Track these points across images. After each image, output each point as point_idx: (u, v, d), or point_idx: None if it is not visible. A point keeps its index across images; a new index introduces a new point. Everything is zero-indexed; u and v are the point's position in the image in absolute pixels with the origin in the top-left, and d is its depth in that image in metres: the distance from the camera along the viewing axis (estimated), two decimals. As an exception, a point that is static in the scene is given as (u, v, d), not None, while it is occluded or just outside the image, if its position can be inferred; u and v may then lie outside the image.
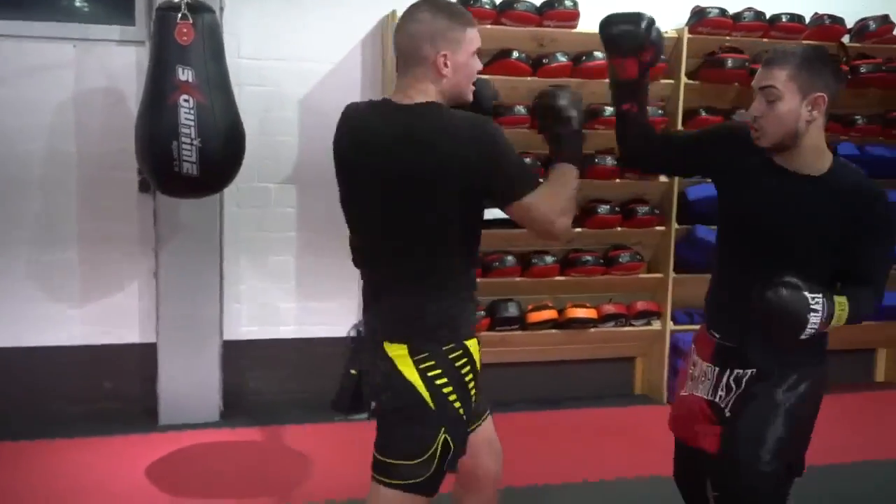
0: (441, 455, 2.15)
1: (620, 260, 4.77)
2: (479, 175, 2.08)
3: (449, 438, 2.15)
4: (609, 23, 2.49)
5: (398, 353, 2.15)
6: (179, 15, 3.44)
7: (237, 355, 4.53)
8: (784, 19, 4.81)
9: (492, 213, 4.52)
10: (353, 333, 4.68)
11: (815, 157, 2.29)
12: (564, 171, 2.20)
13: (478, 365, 2.24)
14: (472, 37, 2.19)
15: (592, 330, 4.84)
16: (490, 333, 4.65)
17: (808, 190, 2.26)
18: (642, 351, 5.10)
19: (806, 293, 2.14)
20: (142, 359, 4.40)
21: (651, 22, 2.43)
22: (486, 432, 2.50)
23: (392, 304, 2.21)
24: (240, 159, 3.69)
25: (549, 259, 4.68)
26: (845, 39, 4.96)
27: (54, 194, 4.28)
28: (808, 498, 2.62)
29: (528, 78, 4.53)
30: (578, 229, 4.71)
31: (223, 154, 3.55)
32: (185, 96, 3.41)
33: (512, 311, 4.67)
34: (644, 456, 4.06)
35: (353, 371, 4.59)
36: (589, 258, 4.73)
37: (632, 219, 4.77)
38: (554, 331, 4.79)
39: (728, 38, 4.77)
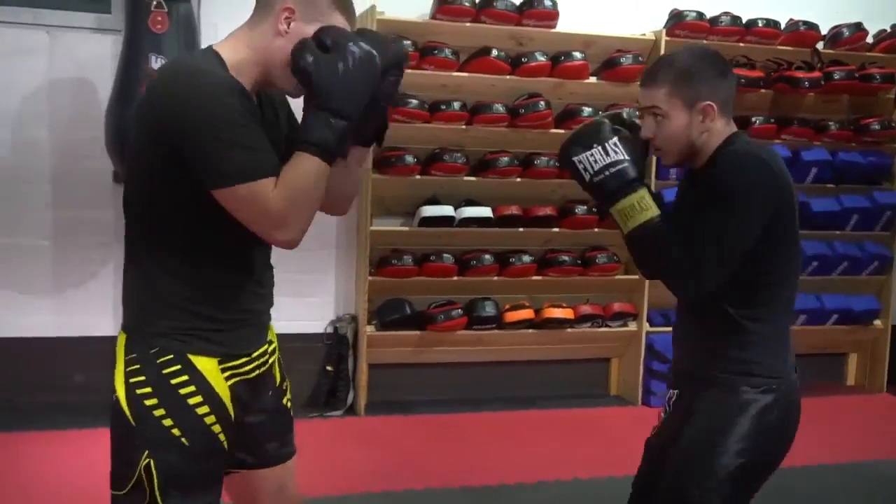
0: (150, 485, 1.66)
1: (597, 261, 4.68)
2: (165, 140, 1.62)
3: (152, 464, 1.66)
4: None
5: (119, 349, 1.76)
6: (154, 3, 3.33)
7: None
8: (760, 24, 4.74)
9: (471, 213, 4.42)
10: (329, 329, 4.57)
11: (713, 151, 2.06)
12: (302, 159, 1.64)
13: (218, 385, 1.73)
14: (336, 20, 1.73)
15: (569, 330, 4.74)
16: (467, 332, 4.55)
17: (695, 186, 2.07)
18: (618, 352, 5.00)
19: (611, 130, 1.98)
20: (114, 350, 4.24)
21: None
22: (277, 478, 1.97)
23: (126, 275, 1.79)
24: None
25: (526, 259, 4.58)
26: (819, 45, 4.90)
27: (26, 181, 4.13)
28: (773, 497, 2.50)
29: (507, 76, 4.43)
30: (556, 229, 4.63)
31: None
32: (158, 85, 3.29)
33: (489, 310, 4.56)
34: (618, 456, 3.94)
35: (328, 367, 4.54)
36: (566, 258, 4.63)
37: (609, 220, 4.68)
38: (530, 330, 4.69)
39: (705, 41, 4.68)
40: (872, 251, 5.05)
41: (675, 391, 2.17)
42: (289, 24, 1.69)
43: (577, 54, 4.47)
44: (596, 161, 1.98)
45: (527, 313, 4.62)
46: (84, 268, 4.25)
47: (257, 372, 1.85)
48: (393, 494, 3.49)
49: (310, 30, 1.68)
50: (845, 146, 5.00)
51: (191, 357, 1.70)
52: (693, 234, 1.95)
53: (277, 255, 4.86)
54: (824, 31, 4.90)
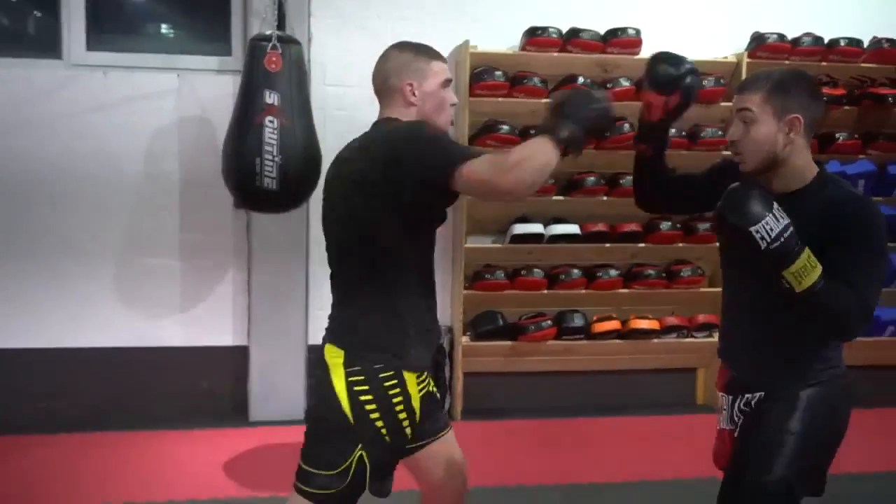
0: (356, 471, 2.06)
1: (682, 274, 4.75)
2: (402, 169, 2.00)
3: (365, 455, 2.05)
4: (654, 60, 2.38)
5: (334, 360, 2.08)
6: (270, 45, 3.62)
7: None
8: (842, 43, 4.74)
9: (559, 230, 4.57)
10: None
11: (798, 175, 2.16)
12: (535, 140, 1.99)
13: (414, 401, 2.11)
14: (438, 69, 2.21)
15: (655, 341, 4.82)
16: (556, 342, 4.68)
17: (784, 208, 2.05)
18: (704, 362, 5.04)
19: (765, 194, 2.01)
20: (234, 360, 4.57)
21: (690, 70, 2.32)
22: (444, 451, 2.35)
23: (339, 311, 2.17)
24: (317, 177, 3.81)
25: (613, 272, 4.69)
26: (904, 62, 4.87)
27: (159, 210, 4.50)
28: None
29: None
30: (641, 244, 4.73)
31: (302, 171, 3.68)
32: (270, 117, 3.58)
33: (577, 321, 4.69)
34: (704, 459, 4.04)
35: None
36: (651, 272, 4.72)
37: (693, 234, 4.76)
38: (618, 341, 4.78)
39: (787, 61, 4.72)
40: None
41: (760, 393, 2.24)
42: (415, 93, 2.18)
43: (660, 78, 4.58)
44: (772, 229, 1.96)
45: (614, 324, 4.73)
46: (207, 285, 4.59)
47: (432, 385, 2.25)
48: (488, 489, 3.68)
49: (428, 86, 2.19)
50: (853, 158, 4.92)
51: (404, 373, 2.09)
52: (836, 270, 2.02)
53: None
54: (909, 47, 4.87)
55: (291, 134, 3.58)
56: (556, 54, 4.56)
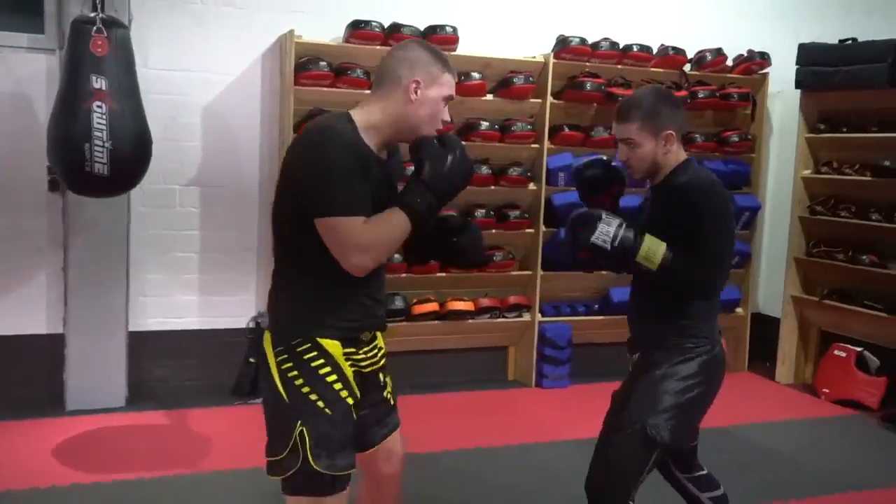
0: (303, 448, 2.08)
1: (495, 259, 5.10)
2: (293, 183, 2.10)
3: (305, 431, 2.08)
4: (580, 170, 2.89)
5: (267, 346, 2.19)
6: (95, 28, 3.57)
7: (143, 345, 4.63)
8: (635, 49, 5.28)
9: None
10: (251, 325, 4.86)
11: (669, 170, 2.60)
12: (396, 217, 2.10)
13: (345, 369, 2.17)
14: (448, 81, 2.20)
15: (470, 321, 5.15)
16: (378, 324, 4.91)
17: (652, 198, 2.66)
18: (514, 340, 5.45)
19: (602, 213, 2.49)
20: (49, 349, 4.45)
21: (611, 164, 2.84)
22: (387, 445, 2.41)
23: (269, 296, 2.28)
24: (147, 161, 3.82)
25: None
26: (686, 67, 5.48)
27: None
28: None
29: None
30: (458, 230, 5.03)
31: (133, 156, 3.68)
32: (98, 102, 3.54)
33: (399, 303, 4.93)
34: (516, 428, 4.45)
35: (251, 359, 4.82)
36: (467, 256, 5.04)
37: (505, 222, 5.12)
38: (436, 322, 5.08)
39: (588, 63, 5.19)
40: (735, 248, 5.63)
41: (638, 354, 2.69)
42: (417, 93, 2.14)
43: (476, 74, 4.90)
44: (607, 233, 2.45)
45: (432, 306, 5.02)
46: (19, 270, 4.44)
47: (370, 368, 2.28)
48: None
49: (431, 93, 2.15)
50: (710, 156, 5.59)
51: (319, 340, 2.14)
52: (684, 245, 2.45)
53: (202, 258, 5.06)
54: (690, 54, 5.48)
55: (121, 119, 3.56)
56: (378, 47, 4.75)
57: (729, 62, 5.59)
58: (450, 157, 2.13)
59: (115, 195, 3.89)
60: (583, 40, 5.14)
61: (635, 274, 2.70)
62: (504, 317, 5.25)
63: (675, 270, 2.46)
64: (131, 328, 4.59)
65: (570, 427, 4.50)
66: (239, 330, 4.82)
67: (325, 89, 4.65)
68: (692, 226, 2.46)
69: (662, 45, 5.40)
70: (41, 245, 4.43)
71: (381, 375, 2.36)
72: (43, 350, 4.47)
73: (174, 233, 4.70)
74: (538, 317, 5.28)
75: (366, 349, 2.27)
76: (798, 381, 5.65)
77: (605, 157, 2.91)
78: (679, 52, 5.39)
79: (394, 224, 2.09)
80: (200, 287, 4.79)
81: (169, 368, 4.74)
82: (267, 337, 2.20)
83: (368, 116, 2.15)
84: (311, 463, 2.08)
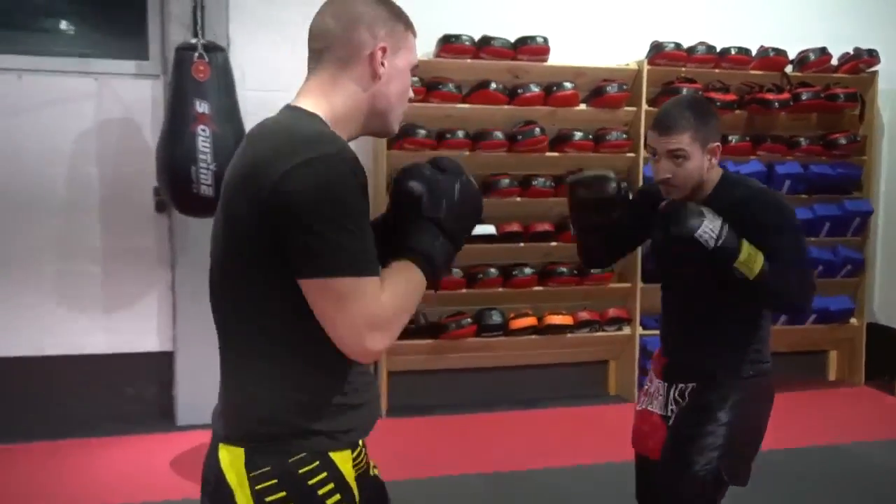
0: None
1: (593, 271, 5.05)
2: (278, 226, 1.38)
3: None
4: (574, 187, 2.61)
5: (230, 464, 1.48)
6: (196, 54, 3.73)
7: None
8: (733, 52, 5.16)
9: (476, 230, 4.83)
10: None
11: (709, 185, 2.38)
12: (412, 278, 1.48)
13: (354, 488, 1.51)
14: (413, 45, 1.60)
15: (569, 335, 5.10)
16: (476, 339, 4.92)
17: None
18: (614, 354, 5.37)
19: (702, 207, 2.23)
20: (160, 365, 4.63)
21: (617, 186, 2.53)
22: None
23: (227, 390, 1.55)
24: (250, 180, 3.95)
25: (528, 271, 4.96)
26: (788, 69, 5.32)
27: (77, 213, 4.53)
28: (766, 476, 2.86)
29: (505, 106, 4.84)
30: (554, 243, 5.01)
31: (237, 176, 3.82)
32: (201, 126, 3.69)
33: (496, 318, 4.93)
34: (618, 445, 4.35)
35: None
36: (564, 269, 5.01)
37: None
38: (534, 336, 5.05)
39: (683, 69, 5.11)
40: (845, 255, 5.43)
41: (692, 384, 2.43)
42: (384, 63, 1.53)
43: (568, 84, 4.89)
44: (713, 230, 2.18)
45: (530, 321, 4.99)
46: (129, 290, 4.64)
47: (366, 463, 1.65)
48: (416, 481, 3.87)
49: (399, 62, 1.55)
50: (816, 159, 5.40)
51: (331, 455, 1.49)
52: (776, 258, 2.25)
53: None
54: (792, 55, 5.32)
55: (224, 141, 3.70)
56: (469, 61, 4.80)
57: (834, 61, 5.40)
58: (457, 187, 1.55)
59: (221, 214, 4.03)
60: (678, 45, 5.07)
61: (687, 293, 2.46)
62: (604, 330, 5.18)
63: (774, 282, 2.23)
64: (236, 345, 4.72)
65: (675, 442, 4.38)
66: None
67: (417, 104, 4.71)
68: (779, 238, 2.27)
69: (762, 46, 5.26)
70: (150, 265, 4.62)
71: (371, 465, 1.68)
72: (154, 367, 4.65)
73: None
74: (639, 329, 5.19)
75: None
76: (921, 396, 5.38)
77: (607, 173, 2.59)
78: (780, 52, 5.25)
79: (408, 286, 1.46)
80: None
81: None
82: (230, 452, 1.48)
83: (329, 110, 1.51)
84: None
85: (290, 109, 1.54)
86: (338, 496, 1.48)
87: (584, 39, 5.17)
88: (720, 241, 2.18)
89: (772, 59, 5.23)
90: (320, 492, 1.46)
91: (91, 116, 4.49)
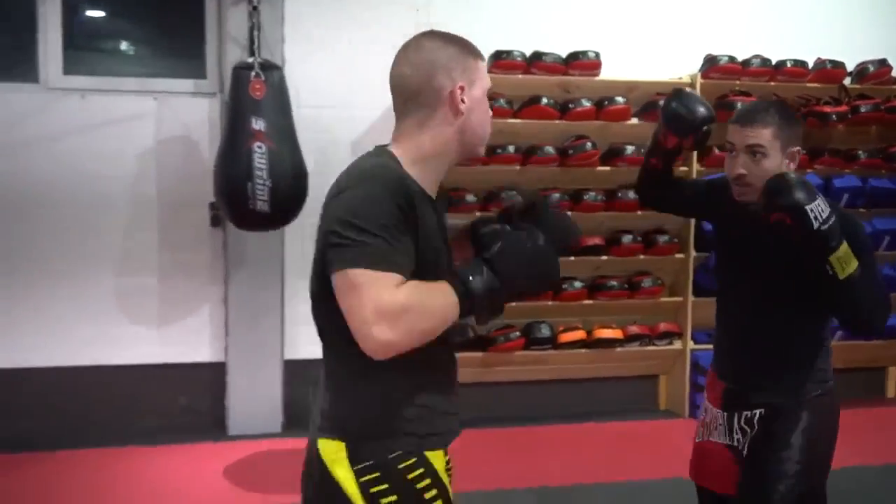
0: None
1: (643, 285, 5.02)
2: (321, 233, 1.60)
3: None
4: (674, 96, 2.45)
5: (333, 458, 1.60)
6: (253, 73, 3.81)
7: (298, 373, 4.83)
8: (789, 65, 5.08)
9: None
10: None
11: None
12: (441, 285, 1.57)
13: (447, 485, 1.67)
14: (483, 68, 1.71)
15: (619, 349, 5.07)
16: (525, 353, 4.92)
17: (755, 226, 2.21)
18: (665, 369, 5.32)
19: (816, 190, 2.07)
20: (212, 376, 4.73)
21: (708, 117, 2.39)
22: None
23: (327, 392, 1.67)
24: (304, 197, 4.03)
25: (577, 284, 4.94)
26: (847, 81, 5.22)
27: (136, 228, 4.65)
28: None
29: (556, 121, 4.84)
30: (604, 257, 4.99)
31: (291, 193, 3.90)
32: (258, 143, 3.77)
33: (545, 332, 4.92)
34: (669, 461, 4.30)
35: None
36: (614, 283, 4.98)
37: (653, 247, 5.03)
38: (583, 350, 5.02)
39: (738, 82, 5.05)
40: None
41: (760, 410, 2.30)
42: (464, 100, 1.65)
43: (620, 99, 4.87)
44: (822, 211, 2.01)
45: (579, 334, 4.97)
46: (184, 303, 4.75)
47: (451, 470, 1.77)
48: (465, 494, 3.87)
49: (476, 92, 1.67)
50: (875, 173, 5.29)
51: (427, 454, 1.63)
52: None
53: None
54: (850, 67, 5.21)
55: (279, 158, 3.78)
56: (520, 76, 4.81)
57: (894, 73, 5.27)
58: (530, 243, 1.63)
59: (275, 229, 4.12)
60: (732, 58, 5.02)
61: (752, 301, 2.32)
62: (654, 344, 5.14)
63: (860, 291, 2.09)
64: (287, 356, 4.80)
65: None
66: (388, 358, 4.94)
67: (468, 120, 4.72)
68: (860, 254, 2.11)
69: (819, 58, 5.18)
70: (204, 279, 4.72)
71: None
72: (207, 377, 4.75)
73: (326, 264, 4.88)
74: (690, 344, 5.14)
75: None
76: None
77: (703, 107, 2.39)
78: (837, 65, 5.15)
79: (437, 296, 1.54)
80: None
81: (322, 396, 4.90)
82: (332, 448, 1.60)
83: (415, 150, 1.66)
84: None
85: (374, 148, 1.73)
86: (434, 491, 1.61)
87: (637, 53, 5.14)
88: (826, 225, 2.01)
89: (829, 71, 5.14)
90: (419, 485, 1.59)
91: (151, 134, 4.62)
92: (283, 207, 3.85)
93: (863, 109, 5.15)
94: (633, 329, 5.07)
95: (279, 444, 4.55)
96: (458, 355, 4.88)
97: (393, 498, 1.58)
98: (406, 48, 1.70)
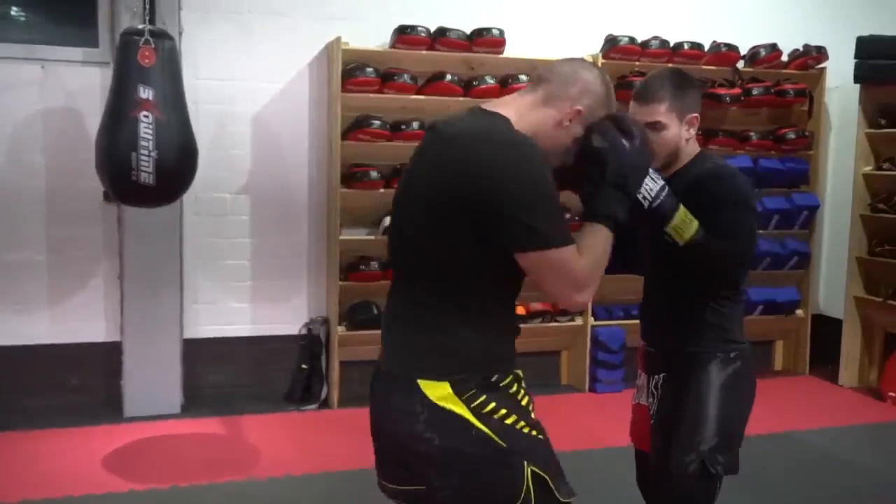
0: (538, 487, 1.78)
1: (545, 262, 5.05)
2: (490, 212, 1.70)
3: (536, 469, 1.78)
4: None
5: (441, 394, 1.76)
6: (143, 40, 3.63)
7: (197, 352, 4.70)
8: (686, 47, 5.18)
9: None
10: (303, 331, 4.90)
11: (685, 158, 2.38)
12: (597, 231, 1.81)
13: (533, 401, 1.90)
14: (590, 124, 1.91)
15: (521, 326, 5.09)
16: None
17: (672, 183, 2.27)
18: (566, 344, 5.39)
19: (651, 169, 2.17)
20: (107, 356, 4.54)
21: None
22: None
23: (423, 332, 1.83)
24: (193, 172, 3.84)
25: (481, 261, 4.94)
26: (740, 64, 5.36)
27: (22, 201, 4.41)
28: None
29: (461, 98, 4.79)
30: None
31: (178, 166, 3.71)
32: (144, 112, 3.59)
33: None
34: (573, 434, 4.38)
35: (303, 366, 4.86)
36: (517, 260, 5.00)
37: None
38: (486, 326, 5.03)
39: (637, 62, 5.12)
40: (792, 248, 5.50)
41: (661, 374, 2.41)
42: (571, 121, 1.85)
43: (523, 77, 4.86)
44: (651, 189, 2.15)
45: (483, 311, 4.97)
46: (76, 279, 4.54)
47: None
48: (366, 471, 3.83)
49: (577, 130, 1.87)
50: (766, 154, 5.46)
51: (516, 371, 1.87)
52: (715, 228, 2.23)
53: (254, 265, 5.20)
54: (743, 51, 5.36)
55: (167, 129, 3.60)
56: (424, 52, 4.76)
57: (784, 58, 5.45)
58: (634, 148, 1.88)
59: (161, 205, 3.93)
60: (632, 39, 5.08)
61: (659, 271, 2.43)
62: (556, 321, 5.19)
63: (707, 249, 2.23)
64: (186, 335, 4.66)
65: (624, 433, 4.39)
66: (291, 336, 4.86)
67: (372, 95, 4.66)
68: (731, 211, 2.26)
69: (714, 41, 5.29)
70: (97, 254, 4.52)
71: None
72: (101, 357, 4.56)
73: (225, 240, 4.76)
74: (591, 320, 5.21)
75: None
76: (862, 385, 5.46)
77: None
78: (732, 48, 5.28)
79: (604, 246, 1.81)
80: (252, 294, 4.83)
81: (222, 375, 4.79)
82: (436, 386, 1.77)
83: (525, 122, 1.82)
84: (560, 499, 1.83)
85: (484, 113, 1.84)
86: (527, 398, 1.86)
87: (540, 32, 5.15)
88: (655, 203, 2.16)
89: (724, 54, 5.27)
90: (518, 397, 1.83)
91: (37, 103, 4.37)
92: (171, 181, 3.66)
93: (755, 92, 5.31)
94: (536, 306, 5.10)
95: (177, 426, 4.41)
96: (363, 333, 4.85)
97: (503, 410, 1.78)
98: (576, 60, 1.94)
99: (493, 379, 1.80)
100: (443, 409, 1.76)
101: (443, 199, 1.75)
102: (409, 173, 1.89)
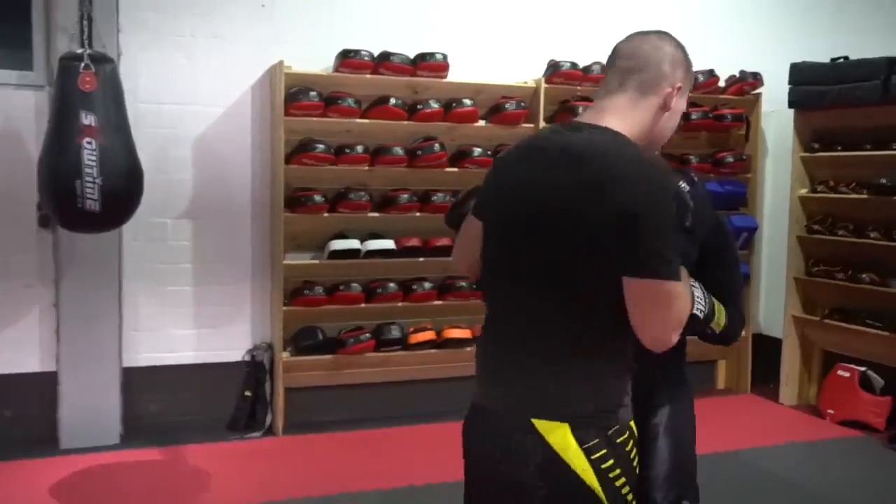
0: None
1: (491, 285, 5.06)
2: (625, 234, 1.57)
3: None
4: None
5: (558, 437, 1.63)
6: (82, 65, 3.57)
7: (137, 381, 4.58)
8: (627, 72, 5.27)
9: (375, 245, 4.73)
10: (247, 358, 4.82)
11: None
12: (685, 275, 1.72)
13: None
14: (689, 86, 1.82)
15: (468, 349, 5.09)
16: (375, 354, 4.87)
17: None
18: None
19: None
20: (42, 387, 4.40)
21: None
22: None
23: (540, 372, 1.68)
24: (139, 196, 3.81)
25: (427, 285, 4.94)
26: (679, 90, 5.47)
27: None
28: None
29: (405, 122, 4.82)
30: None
31: (124, 191, 3.67)
32: (87, 139, 3.53)
33: (395, 333, 4.89)
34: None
35: (247, 393, 4.78)
36: (463, 284, 5.00)
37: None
38: (433, 350, 5.02)
39: (579, 87, 5.20)
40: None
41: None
42: (673, 101, 1.75)
43: (467, 101, 4.90)
44: (699, 298, 1.96)
45: (429, 335, 4.97)
46: (9, 307, 4.40)
47: None
48: (311, 499, 3.79)
49: (681, 104, 1.78)
50: (705, 177, 5.55)
51: (631, 424, 1.72)
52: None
53: (196, 290, 5.09)
54: (682, 77, 5.47)
55: (111, 154, 3.55)
56: (368, 76, 4.76)
57: (721, 83, 5.59)
58: (701, 200, 1.97)
59: (107, 230, 3.87)
60: (574, 64, 5.15)
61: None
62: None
63: (732, 319, 2.11)
64: (125, 364, 4.55)
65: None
66: (234, 363, 4.79)
67: (315, 119, 4.64)
68: (729, 261, 2.25)
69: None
70: (32, 281, 4.39)
71: None
72: (36, 388, 4.42)
73: (166, 266, 4.67)
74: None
75: None
76: (802, 403, 5.58)
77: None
78: (671, 73, 5.38)
79: (687, 290, 1.73)
80: (194, 320, 4.74)
81: (163, 404, 4.68)
82: (554, 427, 1.63)
83: (630, 128, 1.70)
84: None
85: (597, 126, 1.70)
86: (635, 450, 1.71)
87: (484, 57, 5.20)
88: (708, 310, 2.01)
89: (662, 79, 5.37)
90: (631, 455, 1.69)
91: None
92: (116, 207, 3.61)
93: (693, 117, 5.43)
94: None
95: (116, 457, 4.29)
96: (308, 359, 4.81)
97: (618, 471, 1.65)
98: (645, 33, 1.79)
99: (612, 432, 1.65)
100: (560, 458, 1.62)
101: (570, 222, 1.61)
102: (510, 199, 1.73)
